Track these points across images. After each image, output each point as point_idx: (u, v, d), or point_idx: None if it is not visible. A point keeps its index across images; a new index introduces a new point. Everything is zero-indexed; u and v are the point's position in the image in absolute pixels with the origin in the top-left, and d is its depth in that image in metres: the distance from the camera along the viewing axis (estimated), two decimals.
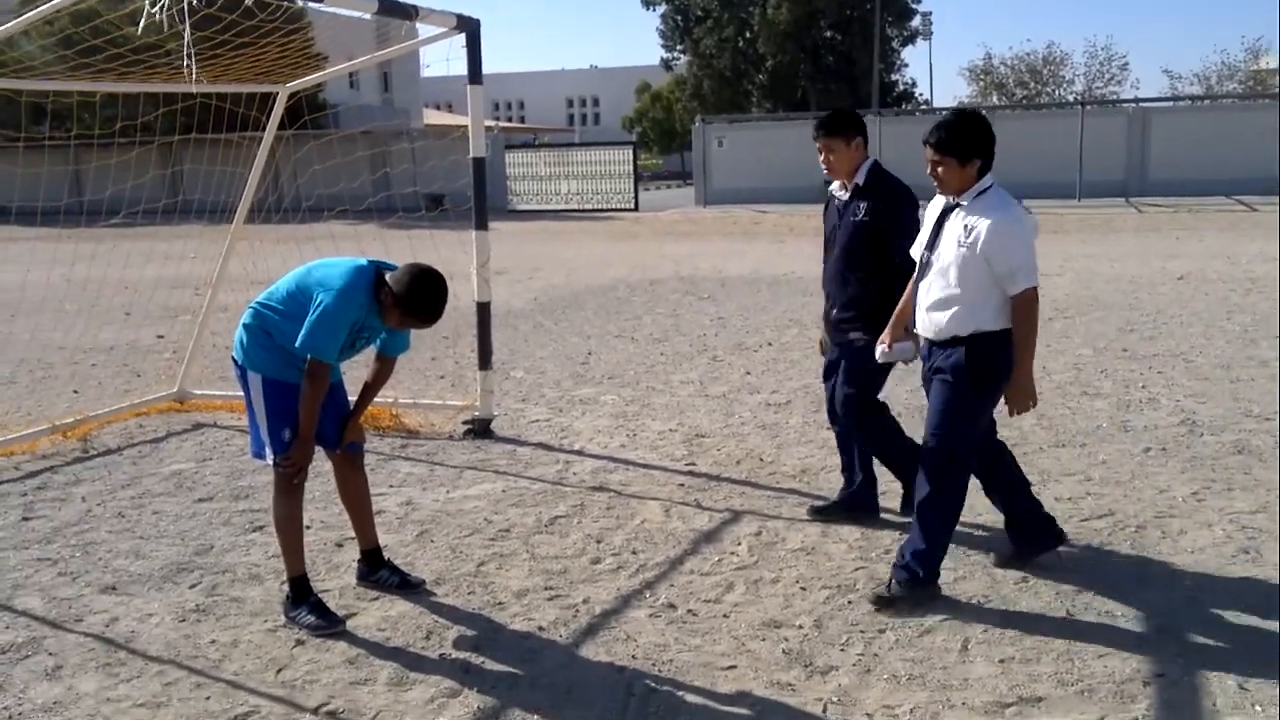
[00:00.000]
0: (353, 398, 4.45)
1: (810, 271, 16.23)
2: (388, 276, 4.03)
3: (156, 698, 3.65)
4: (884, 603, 4.24)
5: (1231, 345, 9.32)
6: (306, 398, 4.03)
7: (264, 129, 7.73)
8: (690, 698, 3.60)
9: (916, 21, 47.77)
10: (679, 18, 48.94)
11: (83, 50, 6.74)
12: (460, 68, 6.77)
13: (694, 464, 6.30)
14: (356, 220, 12.54)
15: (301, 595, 4.23)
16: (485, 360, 7.03)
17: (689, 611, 4.26)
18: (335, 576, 4.69)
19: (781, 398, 7.91)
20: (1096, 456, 6.22)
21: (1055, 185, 28.87)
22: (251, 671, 3.82)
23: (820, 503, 5.41)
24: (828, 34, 45.79)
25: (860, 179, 4.88)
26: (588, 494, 5.78)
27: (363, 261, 4.10)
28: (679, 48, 50.27)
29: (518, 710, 3.53)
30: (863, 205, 4.86)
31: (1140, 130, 29.97)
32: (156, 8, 4.61)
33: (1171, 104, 37.32)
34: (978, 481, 4.59)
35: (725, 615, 4.22)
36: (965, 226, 4.12)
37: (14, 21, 5.43)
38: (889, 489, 5.33)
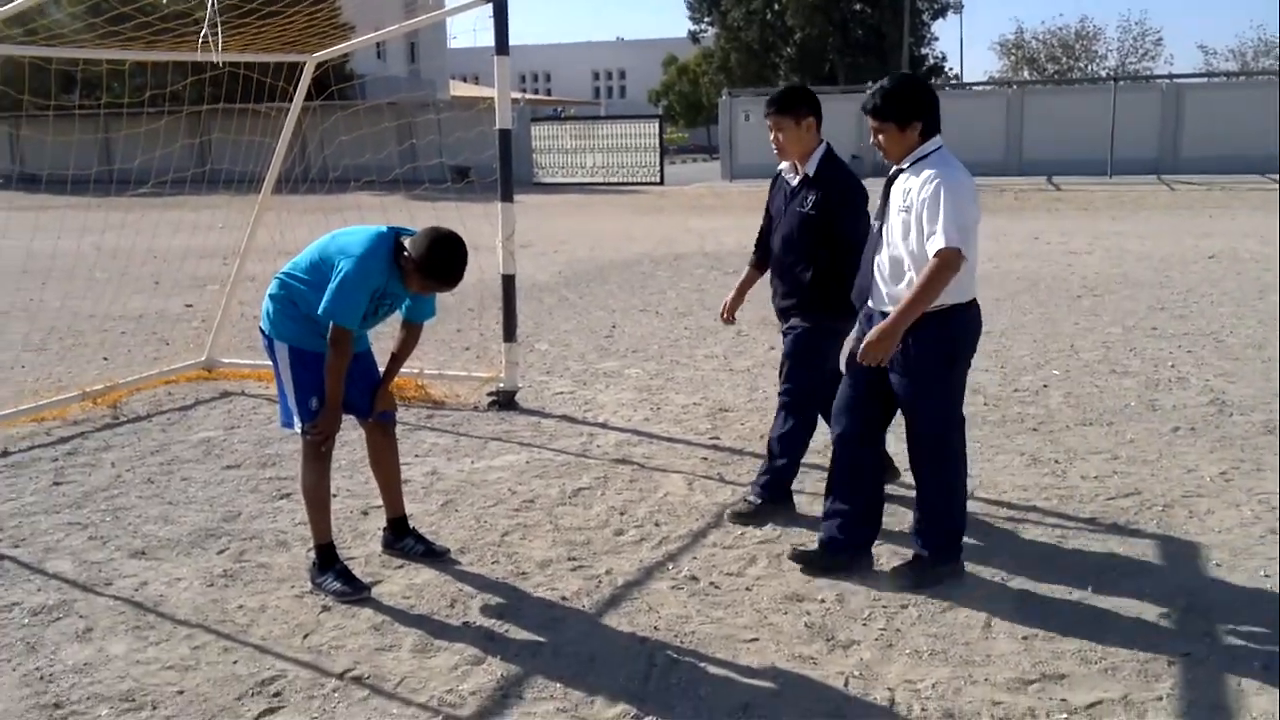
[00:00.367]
0: (381, 367, 4.47)
1: None
2: (406, 241, 4.05)
3: (185, 661, 3.70)
4: (904, 579, 4.23)
5: (1263, 325, 9.22)
6: (331, 365, 4.05)
7: (291, 99, 7.74)
8: (712, 669, 3.62)
9: None
10: None
11: (112, 18, 6.76)
12: (487, 39, 6.76)
13: (718, 438, 6.30)
14: (383, 191, 12.54)
15: (328, 562, 4.27)
16: (510, 333, 7.04)
17: (711, 584, 4.27)
18: (361, 544, 4.73)
19: None
20: (1124, 435, 6.17)
21: (1087, 162, 28.59)
22: (278, 636, 3.87)
23: (745, 506, 5.06)
24: (857, 7, 45.36)
25: (811, 168, 4.68)
26: (611, 466, 5.79)
27: (383, 228, 4.11)
28: (706, 20, 49.97)
29: (540, 678, 3.56)
30: (811, 197, 4.65)
31: (1174, 107, 29.58)
32: None
33: (1206, 80, 36.82)
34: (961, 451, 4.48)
35: (747, 588, 4.23)
36: (905, 190, 4.03)
37: None
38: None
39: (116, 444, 6.35)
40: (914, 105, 4.01)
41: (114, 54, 7.10)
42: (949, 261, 3.83)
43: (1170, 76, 35.20)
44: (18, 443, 6.35)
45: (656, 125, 35.04)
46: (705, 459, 5.91)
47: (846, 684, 3.51)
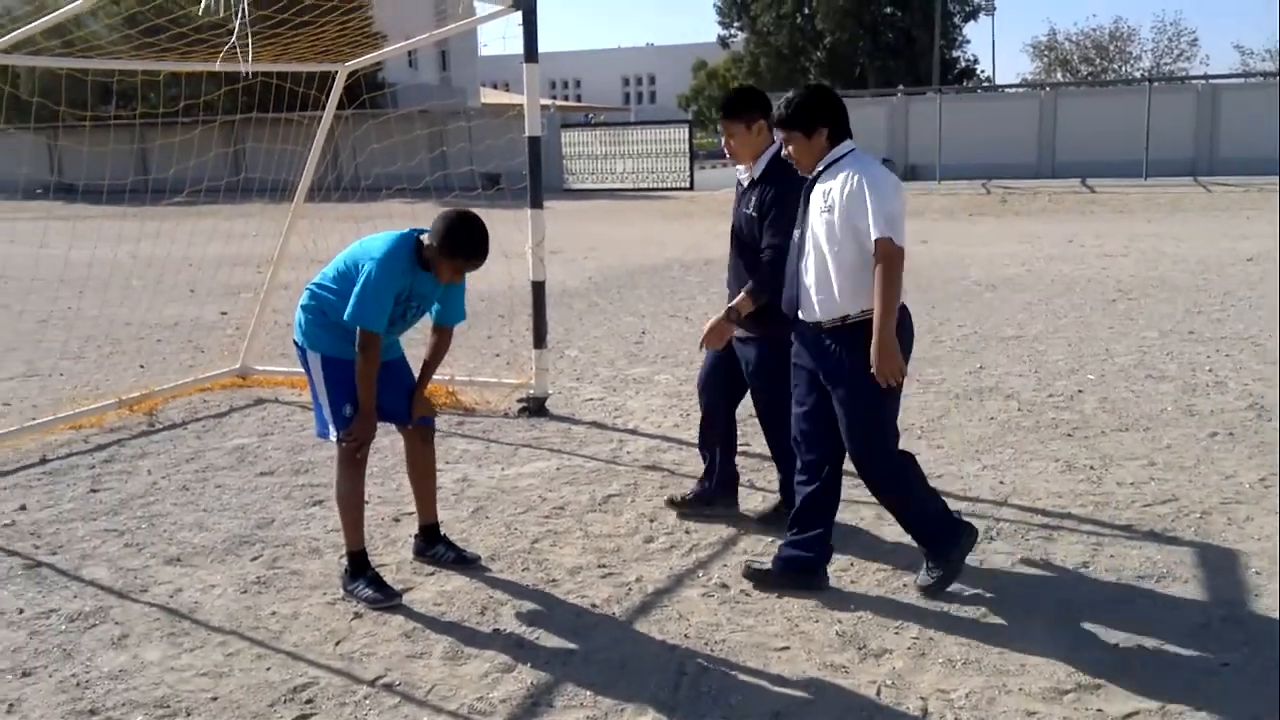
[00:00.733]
0: (415, 374, 4.48)
1: None
2: (424, 236, 4.08)
3: (219, 667, 3.73)
4: (929, 590, 4.18)
5: None
6: (361, 371, 4.07)
7: (323, 108, 7.81)
8: (742, 677, 3.60)
9: None
10: None
11: (146, 29, 6.84)
12: (517, 47, 6.79)
13: (748, 444, 6.26)
14: (414, 199, 12.64)
15: (360, 569, 4.29)
16: (540, 339, 7.06)
17: (742, 591, 4.25)
18: (392, 551, 4.75)
19: None
20: (1161, 441, 6.09)
21: (1121, 164, 28.27)
22: (311, 643, 3.89)
23: (679, 497, 5.17)
24: (887, 10, 45.19)
25: (758, 170, 4.60)
26: (641, 473, 5.79)
27: (404, 231, 4.14)
28: (736, 25, 49.97)
29: (570, 686, 3.55)
30: (753, 198, 4.59)
31: (1210, 108, 29.20)
32: None
33: (1243, 80, 36.32)
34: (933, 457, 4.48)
35: (778, 596, 4.20)
36: (824, 193, 3.98)
37: (79, 1, 5.53)
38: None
39: (152, 451, 6.42)
40: (817, 112, 3.99)
41: (148, 65, 7.19)
42: (888, 253, 3.81)
43: (1206, 77, 34.76)
44: (56, 450, 6.43)
45: (686, 130, 35.00)
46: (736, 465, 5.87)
47: (878, 693, 3.48)
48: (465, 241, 4.02)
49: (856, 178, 3.88)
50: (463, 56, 50.41)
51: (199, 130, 11.46)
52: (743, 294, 4.54)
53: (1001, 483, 5.47)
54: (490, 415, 7.05)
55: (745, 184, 4.70)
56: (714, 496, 5.10)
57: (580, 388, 7.79)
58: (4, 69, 6.91)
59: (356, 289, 4.01)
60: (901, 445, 6.02)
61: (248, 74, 6.38)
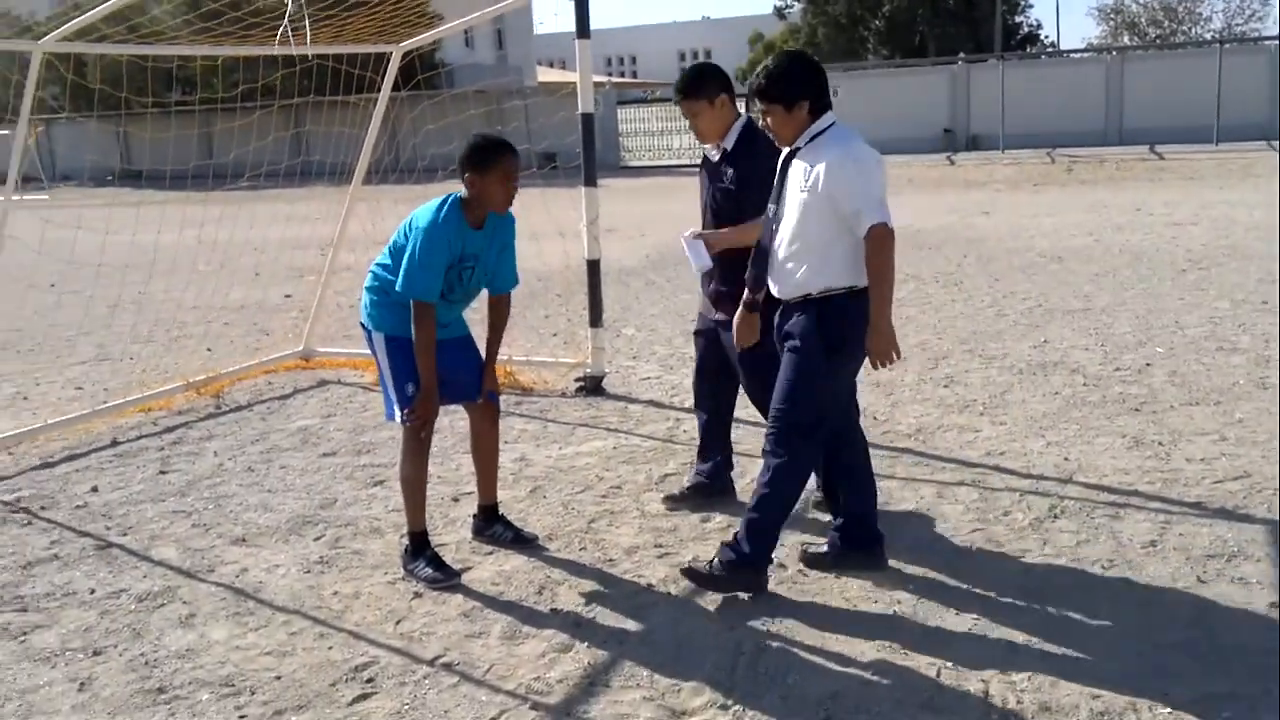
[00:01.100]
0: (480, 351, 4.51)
1: (928, 224, 15.85)
2: (462, 193, 4.14)
3: (282, 646, 3.79)
4: (699, 579, 4.00)
5: None
6: (419, 344, 4.08)
7: (379, 89, 7.85)
8: (800, 658, 3.58)
9: None
10: None
11: (206, 14, 6.92)
12: (570, 24, 6.75)
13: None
14: None
15: (420, 549, 4.33)
16: (596, 318, 7.06)
17: (799, 571, 4.22)
18: (452, 531, 4.79)
19: None
20: (1232, 415, 5.93)
21: (1191, 129, 27.51)
22: (372, 623, 3.94)
23: (678, 491, 5.03)
24: None
25: (729, 142, 4.50)
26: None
27: (446, 195, 4.16)
28: None
29: (627, 666, 3.56)
30: (729, 171, 4.48)
31: None
32: None
33: None
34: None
35: (836, 576, 4.17)
36: (804, 170, 3.85)
37: None
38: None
39: (219, 433, 6.54)
40: (798, 84, 3.87)
41: (206, 50, 7.29)
42: (881, 237, 3.72)
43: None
44: (126, 433, 6.58)
45: (743, 105, 34.73)
46: None
47: (939, 674, 3.44)
48: (488, 146, 4.09)
49: (844, 160, 3.77)
50: (519, 35, 50.40)
51: (260, 115, 11.60)
52: (749, 286, 4.32)
53: (1066, 459, 5.36)
54: (547, 394, 7.08)
55: (716, 158, 4.57)
56: (711, 485, 4.97)
57: (637, 366, 7.78)
58: (70, 57, 7.03)
59: (405, 259, 4.05)
60: (963, 421, 6.00)
61: (307, 56, 6.44)
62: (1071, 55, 38.59)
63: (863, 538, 4.21)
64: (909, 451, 5.62)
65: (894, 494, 5.00)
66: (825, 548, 4.28)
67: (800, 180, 3.88)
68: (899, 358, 3.89)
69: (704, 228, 4.70)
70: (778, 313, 4.06)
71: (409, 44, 7.74)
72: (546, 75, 50.74)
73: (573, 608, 4.01)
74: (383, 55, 7.90)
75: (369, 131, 7.96)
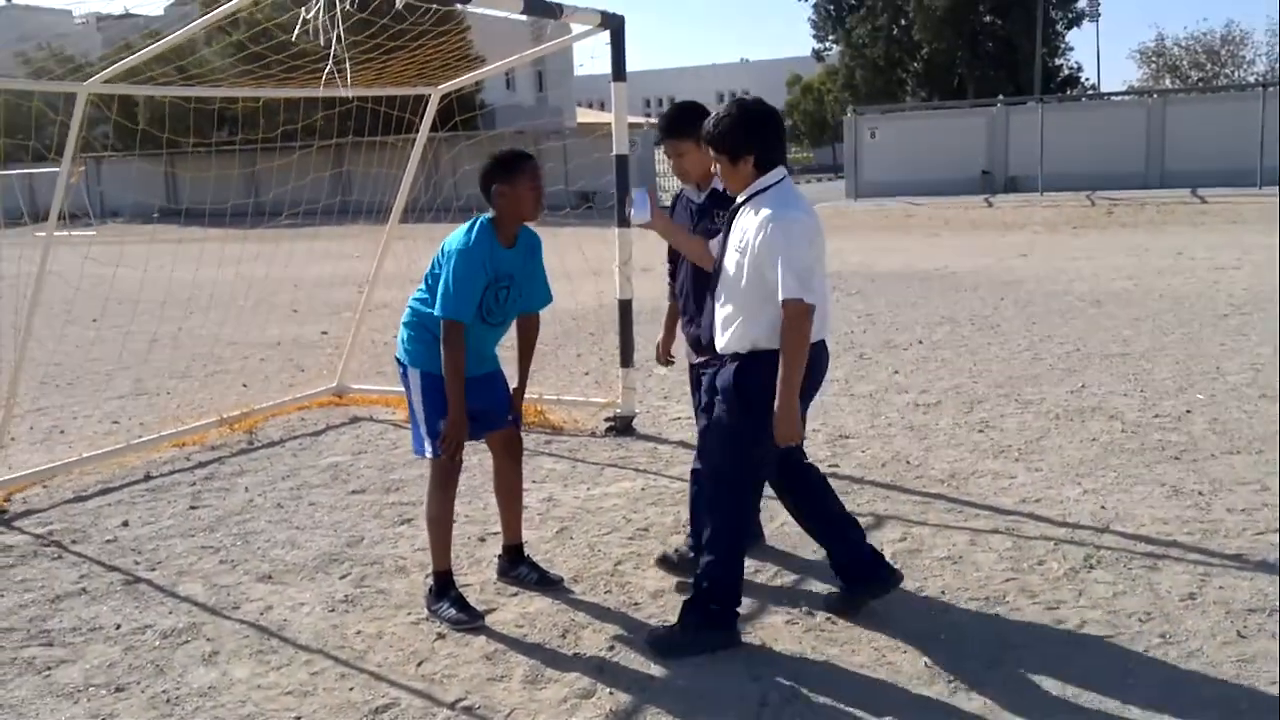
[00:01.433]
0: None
1: (964, 266, 15.75)
2: (490, 215, 4.17)
3: (304, 686, 3.77)
4: (662, 645, 3.90)
5: None
6: (448, 366, 4.06)
7: (417, 130, 7.94)
8: (826, 709, 3.50)
9: (1083, 3, 45.81)
10: (831, 7, 48.25)
11: (246, 57, 7.05)
12: (606, 66, 6.80)
13: (837, 465, 6.16)
14: None
15: (444, 589, 4.31)
16: (627, 358, 7.05)
17: (828, 619, 4.15)
18: (477, 571, 4.77)
19: (931, 398, 7.67)
20: (1275, 464, 5.79)
21: (1233, 173, 27.22)
22: (394, 664, 3.92)
23: (676, 554, 4.72)
24: (987, 19, 44.33)
25: (719, 183, 4.34)
26: None
27: (475, 218, 4.20)
28: (831, 38, 49.57)
29: (650, 712, 3.51)
30: (722, 213, 4.30)
31: None
32: (312, 14, 4.76)
33: None
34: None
35: (865, 625, 4.10)
36: (742, 229, 3.77)
37: (180, 31, 5.73)
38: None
39: (251, 469, 6.57)
40: (743, 137, 3.75)
41: (249, 92, 7.41)
42: (795, 313, 3.58)
43: None
44: (160, 467, 6.63)
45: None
46: None
47: None
48: (511, 156, 4.16)
49: (770, 225, 3.64)
50: (559, 77, 51.01)
51: (302, 154, 11.78)
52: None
53: (1103, 508, 5.26)
54: (577, 434, 7.06)
55: (701, 200, 4.47)
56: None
57: (668, 406, 7.75)
58: (118, 97, 7.19)
59: (442, 283, 4.06)
60: (998, 467, 5.91)
61: (349, 98, 6.52)
62: (1112, 98, 38.42)
63: (860, 573, 4.14)
64: (941, 497, 5.53)
65: (925, 541, 4.92)
66: (838, 593, 4.23)
67: (736, 239, 3.80)
68: (799, 441, 3.77)
69: (683, 273, 4.56)
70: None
71: (446, 86, 7.83)
72: (586, 116, 51.24)
73: (596, 652, 3.96)
74: (422, 97, 7.99)
75: (406, 171, 8.05)
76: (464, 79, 7.94)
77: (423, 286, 4.27)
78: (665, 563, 4.68)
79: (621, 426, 7.01)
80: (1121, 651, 3.80)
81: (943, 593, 4.35)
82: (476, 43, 11.03)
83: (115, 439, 7.22)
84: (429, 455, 4.25)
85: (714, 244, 4.06)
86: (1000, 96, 34.47)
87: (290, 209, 11.67)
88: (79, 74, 6.23)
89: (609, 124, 6.99)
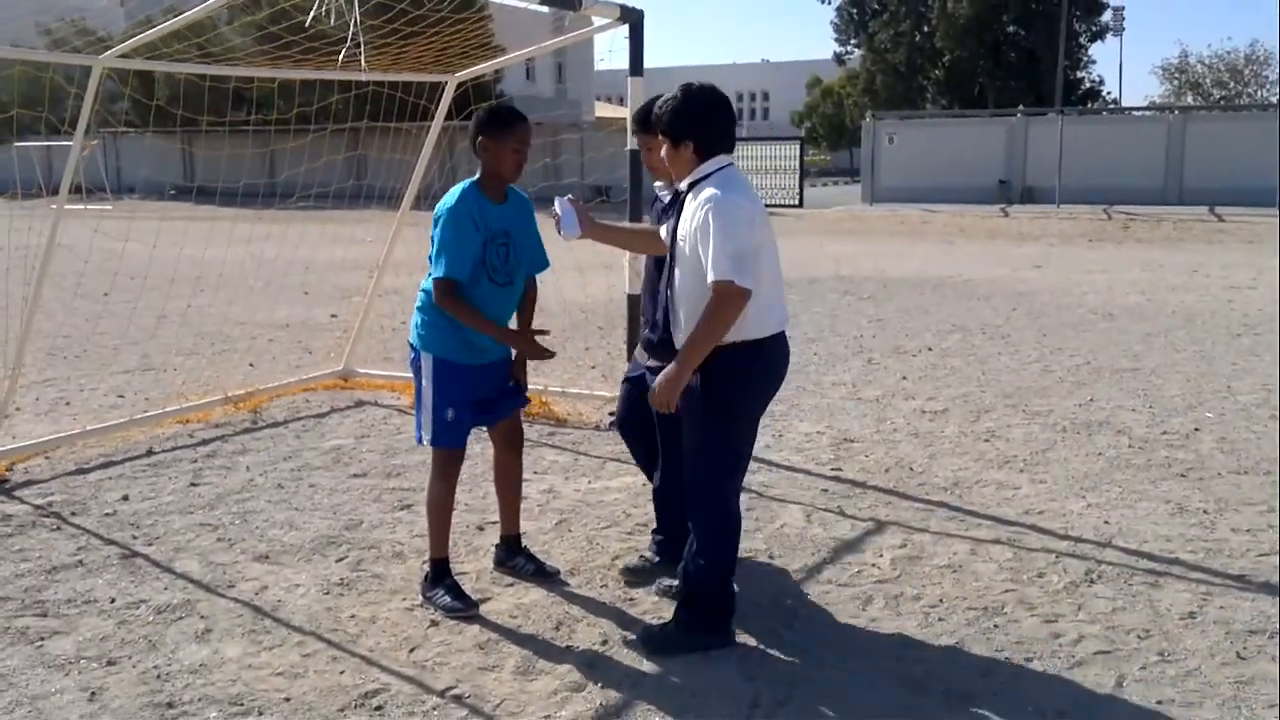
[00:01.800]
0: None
1: (977, 275, 15.69)
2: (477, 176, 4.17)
3: (294, 668, 3.76)
4: (655, 642, 3.88)
5: None
6: (469, 321, 4.03)
7: (432, 117, 7.93)
8: (817, 712, 3.48)
9: (1107, 16, 45.62)
10: (854, 11, 48.10)
11: (264, 37, 7.03)
12: (624, 60, 6.76)
13: (840, 469, 6.13)
14: None
15: (440, 576, 4.29)
16: (633, 352, 7.01)
17: (825, 624, 4.12)
18: (474, 559, 4.75)
19: (938, 405, 7.63)
20: (1278, 485, 5.75)
21: (1254, 191, 27.11)
22: (385, 649, 3.90)
23: (641, 562, 4.63)
24: (1010, 29, 44.16)
25: (684, 184, 4.26)
26: None
27: (461, 182, 4.19)
28: (853, 42, 49.43)
29: (640, 709, 3.48)
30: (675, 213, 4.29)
31: None
32: None
33: None
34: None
35: (862, 630, 4.07)
36: (684, 217, 3.73)
37: (197, 9, 5.72)
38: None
39: (253, 448, 6.57)
40: (684, 123, 3.71)
41: (265, 72, 7.39)
42: (723, 295, 3.53)
43: None
44: (163, 443, 6.63)
45: (797, 147, 34.81)
46: (825, 491, 5.75)
47: None
48: (505, 112, 4.13)
49: (707, 208, 3.60)
50: (579, 69, 50.93)
51: (320, 137, 11.79)
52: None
53: (1106, 523, 5.22)
54: (581, 427, 7.04)
55: (668, 200, 4.40)
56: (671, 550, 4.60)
57: None
58: (139, 73, 7.19)
59: (436, 246, 4.06)
60: (1002, 477, 5.87)
61: (366, 83, 6.51)
62: (1133, 113, 38.24)
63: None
64: (944, 505, 5.50)
65: (926, 548, 4.89)
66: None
67: (681, 227, 3.76)
68: (670, 411, 3.71)
69: (650, 273, 4.48)
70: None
71: (464, 74, 7.81)
72: (604, 110, 51.17)
73: (589, 645, 3.94)
74: (439, 84, 7.97)
75: (420, 158, 8.03)
76: (481, 67, 7.92)
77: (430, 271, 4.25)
78: (630, 572, 4.56)
79: None
80: (1118, 667, 3.76)
81: (941, 601, 4.32)
82: (498, 32, 11.02)
83: (120, 413, 7.22)
84: (427, 443, 4.23)
85: (664, 229, 4.02)
86: (1020, 107, 34.36)
87: (304, 191, 11.67)
88: (98, 48, 6.21)
89: (624, 118, 6.96)
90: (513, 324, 4.39)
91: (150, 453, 6.43)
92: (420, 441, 4.30)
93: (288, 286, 13.24)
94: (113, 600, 4.31)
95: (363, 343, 8.69)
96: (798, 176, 33.55)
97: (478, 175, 4.17)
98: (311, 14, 4.80)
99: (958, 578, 4.56)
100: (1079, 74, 47.10)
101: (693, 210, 3.69)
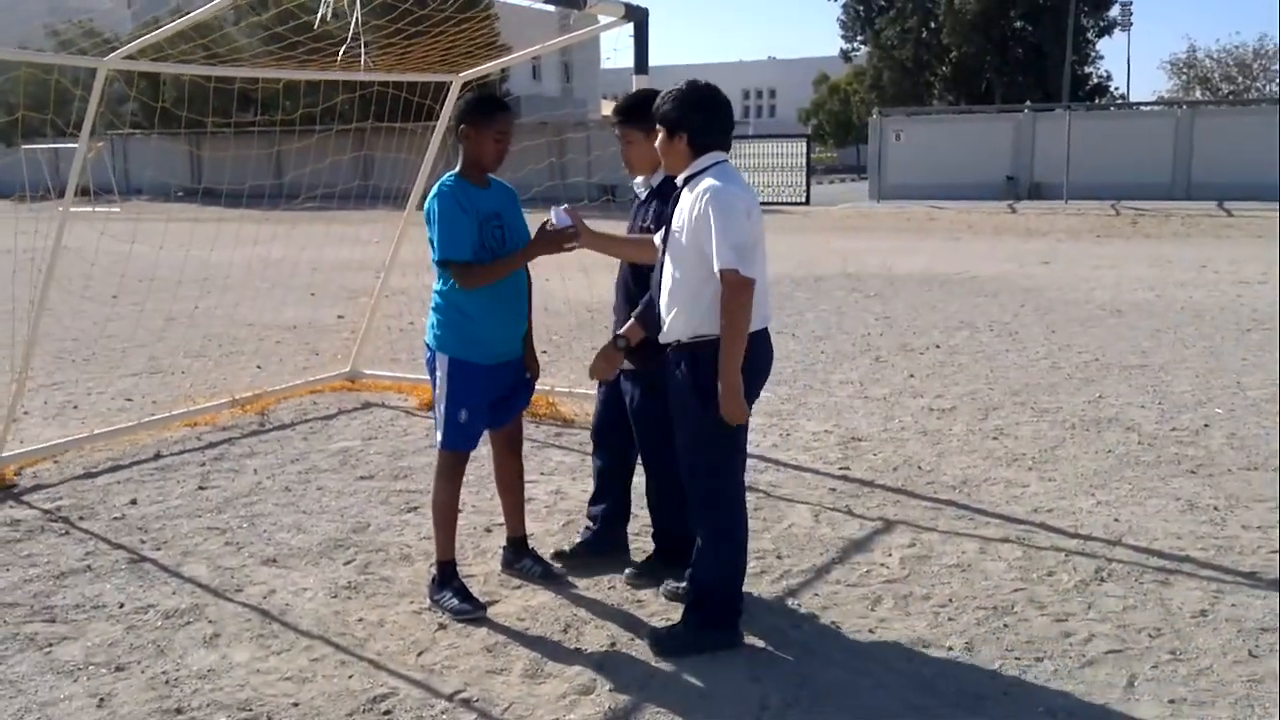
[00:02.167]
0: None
1: (985, 271, 15.64)
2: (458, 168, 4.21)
3: (303, 672, 3.75)
4: (663, 644, 3.86)
5: None
6: (496, 272, 4.07)
7: (438, 118, 7.92)
8: (825, 714, 3.46)
9: (1114, 11, 45.39)
10: (860, 8, 47.98)
11: (269, 38, 7.03)
12: (629, 59, 6.74)
13: (848, 468, 6.11)
14: (526, 208, 12.80)
15: (447, 579, 4.29)
16: None
17: (833, 624, 4.11)
18: (481, 562, 4.74)
19: (946, 403, 7.60)
20: None
21: (1261, 186, 27.01)
22: (394, 653, 3.90)
23: (568, 548, 4.74)
24: (1017, 24, 44.01)
25: (656, 179, 4.29)
26: None
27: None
28: (859, 39, 49.30)
29: (648, 712, 3.47)
30: (652, 210, 4.24)
31: None
32: None
33: None
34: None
35: (871, 630, 4.05)
36: (679, 211, 3.74)
37: (200, 10, 5.72)
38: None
39: (261, 450, 6.57)
40: (680, 113, 3.74)
41: (268, 72, 7.39)
42: (733, 284, 3.55)
43: None
44: (171, 446, 6.64)
45: (804, 145, 34.74)
46: (833, 490, 5.73)
47: None
48: (489, 101, 4.18)
49: (705, 200, 3.62)
50: (585, 68, 50.94)
51: (321, 137, 11.80)
52: (632, 319, 4.15)
53: (1116, 520, 5.19)
54: (588, 428, 7.00)
55: (644, 195, 4.39)
56: (604, 550, 4.70)
57: None
58: (145, 76, 7.20)
59: (434, 233, 4.07)
60: (1010, 475, 5.85)
61: (371, 82, 6.49)
62: (1140, 108, 38.10)
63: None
64: (952, 504, 5.48)
65: (935, 547, 4.87)
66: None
67: (677, 221, 3.77)
68: (745, 419, 3.69)
69: (623, 271, 4.48)
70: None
71: (469, 74, 7.80)
72: (610, 109, 51.14)
73: (597, 648, 3.93)
74: (444, 84, 7.96)
75: (426, 158, 8.03)
76: (486, 67, 7.91)
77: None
78: (560, 556, 4.63)
79: None
80: (1129, 665, 3.74)
81: (950, 600, 4.30)
82: (503, 31, 11.01)
83: (128, 416, 7.23)
84: (438, 445, 4.23)
85: (658, 237, 4.01)
86: (1028, 103, 34.25)
87: (310, 191, 11.67)
88: (104, 49, 6.21)
89: None
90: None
91: (158, 456, 6.43)
92: (437, 444, 4.29)
93: (294, 287, 13.25)
94: (121, 605, 4.31)
95: (370, 344, 8.69)
96: (804, 174, 33.48)
97: (458, 167, 4.20)
98: (319, 15, 4.79)
99: (967, 577, 4.54)
100: (1086, 69, 46.92)
101: (691, 201, 3.70)
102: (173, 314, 10.97)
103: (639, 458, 4.58)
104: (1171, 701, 3.51)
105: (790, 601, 4.32)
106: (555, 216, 4.05)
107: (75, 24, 27.76)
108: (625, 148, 4.34)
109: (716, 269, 3.58)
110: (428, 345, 4.28)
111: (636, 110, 4.26)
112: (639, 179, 4.42)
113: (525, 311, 4.35)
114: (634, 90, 6.24)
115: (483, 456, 5.73)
